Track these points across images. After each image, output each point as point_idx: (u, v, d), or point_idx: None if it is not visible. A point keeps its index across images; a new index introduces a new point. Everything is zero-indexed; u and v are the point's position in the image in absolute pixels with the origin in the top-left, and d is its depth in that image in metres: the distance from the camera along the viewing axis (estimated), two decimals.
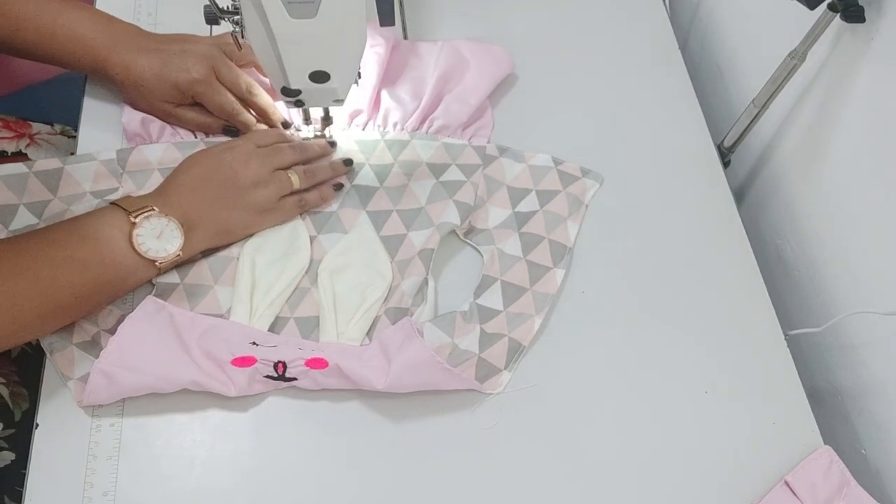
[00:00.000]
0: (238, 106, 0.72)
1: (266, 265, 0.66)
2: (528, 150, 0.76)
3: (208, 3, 0.66)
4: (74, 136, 0.83)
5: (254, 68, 0.77)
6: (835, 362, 0.74)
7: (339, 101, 0.69)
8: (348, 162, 0.73)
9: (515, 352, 0.65)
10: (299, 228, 0.69)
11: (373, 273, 0.67)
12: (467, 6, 0.87)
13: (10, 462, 0.69)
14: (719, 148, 0.83)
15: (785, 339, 0.69)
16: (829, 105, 0.73)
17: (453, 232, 0.71)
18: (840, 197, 0.73)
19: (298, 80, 0.64)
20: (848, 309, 0.70)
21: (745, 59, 0.88)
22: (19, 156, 0.81)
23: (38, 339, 0.62)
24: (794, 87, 0.76)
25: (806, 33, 0.68)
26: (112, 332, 0.61)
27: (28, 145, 0.82)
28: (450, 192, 0.72)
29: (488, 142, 0.76)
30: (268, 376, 0.61)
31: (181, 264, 0.65)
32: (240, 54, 0.74)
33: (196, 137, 0.74)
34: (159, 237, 0.61)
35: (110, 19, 0.71)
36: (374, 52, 0.77)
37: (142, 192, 0.69)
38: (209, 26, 0.71)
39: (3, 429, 0.69)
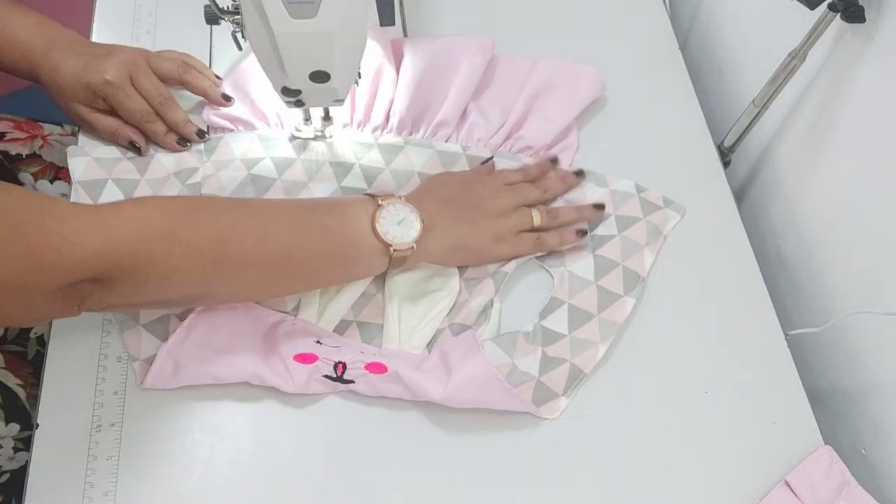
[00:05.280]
0: (150, 115, 0.71)
1: None
2: (610, 174, 0.74)
3: (208, 3, 0.66)
4: None
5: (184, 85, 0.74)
6: (835, 362, 0.74)
7: (340, 101, 0.69)
8: (599, 206, 0.72)
9: (575, 378, 0.64)
10: None
11: (440, 283, 0.67)
12: (467, 6, 0.87)
13: (26, 463, 0.70)
14: (719, 148, 0.83)
15: (785, 339, 0.69)
16: (829, 105, 0.73)
17: None
18: (840, 197, 0.73)
19: (298, 80, 0.64)
20: (848, 309, 0.70)
21: (745, 59, 0.88)
22: (34, 157, 0.81)
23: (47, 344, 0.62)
24: (794, 87, 0.75)
25: (806, 33, 0.68)
26: (181, 317, 0.62)
27: (41, 146, 0.83)
28: None
29: (571, 164, 0.75)
30: (326, 376, 0.62)
31: None
32: (167, 70, 0.72)
33: (270, 126, 0.74)
34: (400, 224, 0.63)
35: (53, 26, 0.71)
36: (471, 64, 0.77)
37: (226, 180, 0.71)
38: (209, 26, 0.71)
39: (20, 430, 0.69)
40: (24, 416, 0.70)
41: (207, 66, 0.76)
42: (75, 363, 0.62)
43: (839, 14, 0.64)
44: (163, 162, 0.71)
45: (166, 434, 0.60)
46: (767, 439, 0.64)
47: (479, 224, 0.67)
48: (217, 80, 0.75)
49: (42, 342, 0.73)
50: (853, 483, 0.61)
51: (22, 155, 0.79)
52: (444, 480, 0.60)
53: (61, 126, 0.86)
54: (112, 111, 0.70)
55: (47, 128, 0.85)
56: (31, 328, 0.73)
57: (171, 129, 0.72)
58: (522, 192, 0.70)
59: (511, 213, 0.68)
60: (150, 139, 0.72)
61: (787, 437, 0.64)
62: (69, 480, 0.58)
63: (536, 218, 0.69)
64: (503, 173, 0.72)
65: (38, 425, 0.59)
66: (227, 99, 0.74)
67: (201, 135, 0.73)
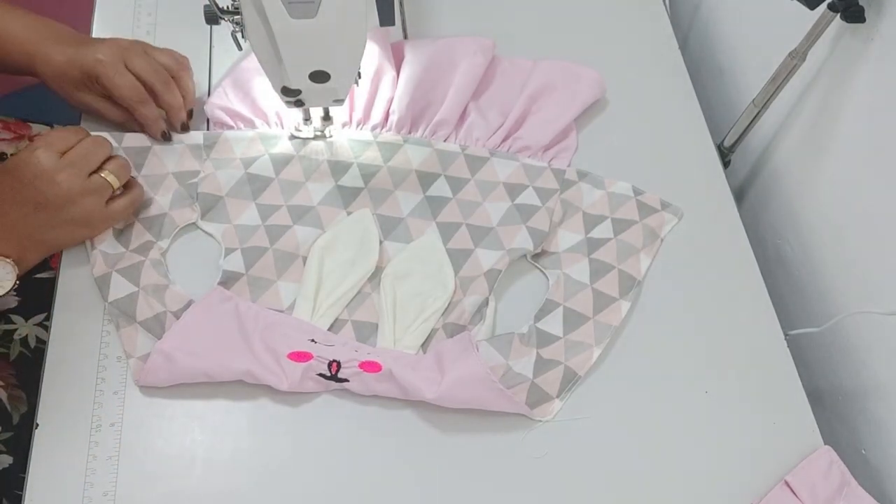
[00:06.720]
0: (141, 94, 0.69)
1: (334, 265, 0.67)
2: (608, 177, 0.75)
3: (208, 3, 0.66)
4: None
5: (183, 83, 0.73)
6: (835, 362, 0.74)
7: (339, 101, 0.69)
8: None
9: (570, 381, 0.64)
10: (372, 232, 0.69)
11: (435, 283, 0.67)
12: (467, 6, 0.87)
13: (7, 466, 0.69)
14: (719, 148, 0.83)
15: (785, 339, 0.69)
16: (829, 105, 0.73)
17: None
18: (840, 197, 0.73)
19: (298, 80, 0.64)
20: (848, 309, 0.70)
21: (745, 59, 0.88)
22: None
23: (36, 342, 0.62)
24: (794, 87, 0.76)
25: (806, 33, 0.69)
26: (178, 315, 0.63)
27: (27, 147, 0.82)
28: (524, 217, 0.71)
29: (569, 165, 0.75)
30: (320, 374, 0.62)
31: (231, 250, 0.67)
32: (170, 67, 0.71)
33: (270, 127, 0.74)
34: None
35: (43, 21, 0.71)
36: (471, 64, 0.77)
37: (223, 179, 0.70)
38: (209, 26, 0.71)
39: (1, 432, 0.69)
40: (5, 418, 0.70)
41: (192, 82, 0.74)
42: (75, 363, 0.62)
43: (839, 14, 0.64)
44: (162, 159, 0.71)
45: (166, 434, 0.60)
46: (767, 439, 0.64)
47: (58, 222, 0.62)
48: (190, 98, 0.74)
49: (26, 343, 0.73)
50: (853, 483, 0.61)
51: (6, 155, 0.79)
52: (437, 480, 0.60)
53: (51, 126, 0.86)
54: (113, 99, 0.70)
55: (35, 128, 0.85)
56: (15, 329, 0.73)
57: (166, 111, 0.71)
58: (87, 161, 0.63)
59: (84, 191, 0.62)
60: (139, 122, 0.71)
61: (787, 437, 0.64)
62: (69, 480, 0.58)
63: (113, 181, 0.64)
64: (52, 140, 0.63)
65: (38, 425, 0.59)
66: (185, 128, 0.72)
67: (185, 128, 0.72)
